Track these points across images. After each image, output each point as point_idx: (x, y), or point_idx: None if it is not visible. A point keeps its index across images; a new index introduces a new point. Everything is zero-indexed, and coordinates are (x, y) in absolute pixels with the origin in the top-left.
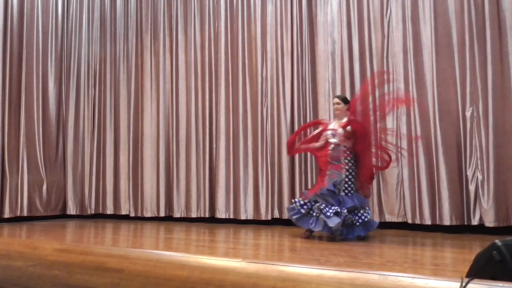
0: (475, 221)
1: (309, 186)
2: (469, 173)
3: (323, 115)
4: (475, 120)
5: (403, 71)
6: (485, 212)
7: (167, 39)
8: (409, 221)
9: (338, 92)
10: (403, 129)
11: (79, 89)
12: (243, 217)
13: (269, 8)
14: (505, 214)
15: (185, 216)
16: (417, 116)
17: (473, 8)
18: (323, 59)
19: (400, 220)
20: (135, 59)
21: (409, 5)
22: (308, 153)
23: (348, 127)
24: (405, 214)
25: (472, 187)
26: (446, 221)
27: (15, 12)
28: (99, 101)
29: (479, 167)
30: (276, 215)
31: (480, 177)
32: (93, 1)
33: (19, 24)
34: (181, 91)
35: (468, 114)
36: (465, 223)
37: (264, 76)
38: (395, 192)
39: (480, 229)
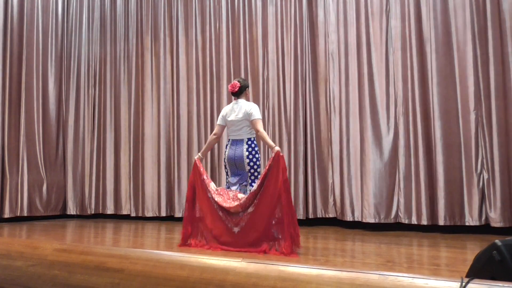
0: (482, 221)
1: (309, 188)
2: (476, 173)
3: (324, 115)
4: (479, 120)
5: (403, 70)
6: (492, 212)
7: (168, 39)
8: (409, 221)
9: (339, 93)
10: (401, 129)
11: (79, 89)
12: None
13: (270, 9)
14: (510, 214)
15: None
16: (418, 115)
17: (474, 7)
18: (325, 60)
19: (399, 220)
20: (136, 59)
21: (409, 4)
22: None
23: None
24: (405, 214)
25: (478, 188)
26: (447, 221)
27: (15, 12)
28: (99, 101)
29: (485, 167)
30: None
31: (486, 177)
32: (93, 1)
33: (19, 24)
34: (182, 92)
35: (472, 114)
36: (468, 224)
37: (265, 77)
38: (395, 192)
39: (482, 229)
